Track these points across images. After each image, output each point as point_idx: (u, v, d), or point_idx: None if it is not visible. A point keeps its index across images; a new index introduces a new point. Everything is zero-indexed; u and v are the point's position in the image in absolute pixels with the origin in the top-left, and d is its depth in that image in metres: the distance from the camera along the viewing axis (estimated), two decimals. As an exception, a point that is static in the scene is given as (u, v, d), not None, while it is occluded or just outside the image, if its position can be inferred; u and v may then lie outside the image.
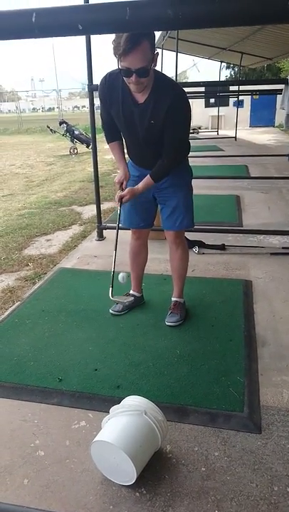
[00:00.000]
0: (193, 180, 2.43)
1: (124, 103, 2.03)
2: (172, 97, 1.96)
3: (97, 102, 3.08)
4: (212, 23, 0.68)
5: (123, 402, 1.62)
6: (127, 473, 1.45)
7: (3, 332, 2.45)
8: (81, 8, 0.70)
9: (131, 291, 2.74)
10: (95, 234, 4.18)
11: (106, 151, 11.70)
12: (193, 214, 2.42)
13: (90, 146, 11.89)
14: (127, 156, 2.38)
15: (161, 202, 2.41)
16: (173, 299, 2.59)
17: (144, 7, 0.68)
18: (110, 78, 2.03)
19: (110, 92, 2.05)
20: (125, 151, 2.36)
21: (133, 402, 1.58)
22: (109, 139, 2.30)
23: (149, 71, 1.85)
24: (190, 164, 2.40)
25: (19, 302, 2.84)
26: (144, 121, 2.04)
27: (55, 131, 12.73)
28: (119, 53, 1.78)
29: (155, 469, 1.54)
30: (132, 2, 0.69)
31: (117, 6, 0.69)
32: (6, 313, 2.71)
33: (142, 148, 2.22)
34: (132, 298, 2.64)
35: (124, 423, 1.50)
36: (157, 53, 1.87)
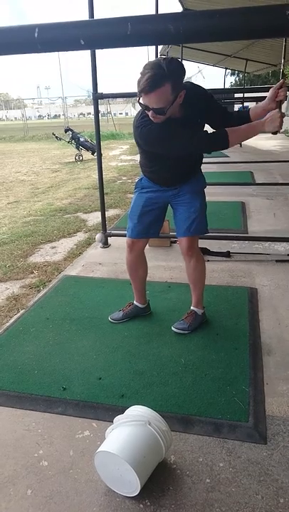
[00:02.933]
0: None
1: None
2: (198, 91, 2.04)
3: (102, 109, 3.10)
4: (213, 37, 0.68)
5: (127, 411, 1.61)
6: (131, 484, 1.44)
7: (8, 340, 2.46)
8: (83, 23, 0.71)
9: (134, 302, 2.72)
10: (99, 241, 4.18)
11: (111, 157, 11.77)
12: (207, 220, 2.41)
13: (95, 153, 11.92)
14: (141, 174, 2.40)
15: (178, 208, 2.40)
16: (191, 307, 2.57)
17: (145, 22, 0.69)
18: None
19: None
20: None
21: (137, 412, 1.58)
22: None
23: (166, 111, 1.85)
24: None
25: (24, 310, 2.84)
26: (193, 126, 2.03)
27: (60, 139, 12.82)
28: (139, 90, 1.79)
29: (159, 480, 1.52)
30: (133, 17, 0.69)
31: (118, 22, 0.69)
32: (11, 321, 2.71)
33: (182, 161, 2.20)
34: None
35: (128, 433, 1.49)
36: (184, 91, 1.86)
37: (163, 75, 1.73)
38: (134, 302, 2.72)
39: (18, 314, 2.79)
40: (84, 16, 3.41)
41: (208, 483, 1.51)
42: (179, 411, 1.85)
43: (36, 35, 0.71)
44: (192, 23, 0.66)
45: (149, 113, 1.88)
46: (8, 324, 2.66)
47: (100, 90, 3.61)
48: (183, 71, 1.85)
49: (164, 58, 1.81)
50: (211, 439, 1.71)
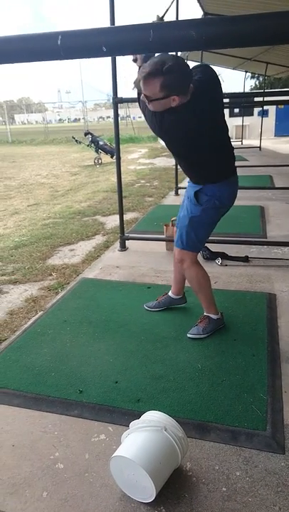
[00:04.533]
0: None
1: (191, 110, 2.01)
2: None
3: (121, 112, 3.12)
4: (235, 43, 0.68)
5: (143, 417, 1.60)
6: (147, 490, 1.43)
7: (26, 342, 2.48)
8: (105, 30, 0.71)
9: (169, 293, 2.79)
10: (117, 244, 4.20)
11: (129, 161, 11.81)
12: (194, 238, 2.34)
13: (114, 157, 12.01)
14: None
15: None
16: (204, 312, 2.56)
17: (167, 29, 0.69)
18: None
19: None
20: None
21: (153, 417, 1.57)
22: None
23: (153, 103, 1.94)
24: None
25: (42, 312, 2.87)
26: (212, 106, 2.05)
27: (80, 142, 12.94)
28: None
29: (175, 487, 1.51)
30: (156, 24, 0.69)
31: (140, 28, 0.69)
32: (29, 322, 2.74)
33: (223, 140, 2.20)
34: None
35: (143, 439, 1.48)
36: (174, 99, 1.90)
37: (157, 71, 1.84)
38: (170, 293, 2.79)
39: (37, 316, 2.82)
40: (105, 21, 3.43)
41: (225, 492, 1.49)
42: (195, 417, 1.83)
43: (59, 42, 0.71)
44: (215, 30, 0.65)
45: (142, 96, 1.98)
46: (26, 326, 2.68)
47: (119, 94, 3.63)
48: (183, 79, 1.89)
49: (173, 58, 1.86)
50: (228, 447, 1.69)
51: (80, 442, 1.73)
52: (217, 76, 2.08)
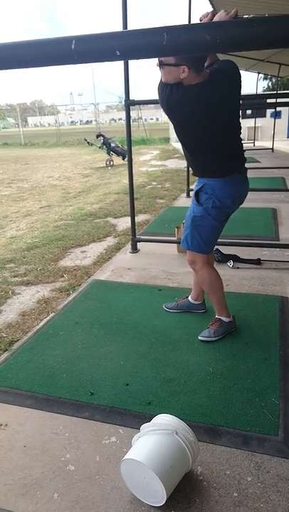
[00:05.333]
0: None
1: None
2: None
3: (133, 114, 3.13)
4: (251, 46, 0.67)
5: (154, 420, 1.60)
6: (157, 494, 1.42)
7: (38, 343, 2.50)
8: (119, 34, 0.71)
9: (189, 297, 2.79)
10: (129, 246, 4.21)
11: (141, 163, 11.83)
12: (198, 239, 2.33)
13: (126, 159, 11.99)
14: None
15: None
16: (216, 315, 2.54)
17: (181, 32, 0.68)
18: None
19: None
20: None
21: (164, 420, 1.56)
22: None
23: (164, 69, 1.98)
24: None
25: (54, 313, 2.89)
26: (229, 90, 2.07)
27: (92, 144, 13.00)
28: None
29: (185, 491, 1.50)
30: (169, 27, 0.69)
31: (154, 32, 0.69)
32: (41, 323, 2.75)
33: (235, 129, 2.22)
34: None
35: (154, 442, 1.47)
36: (184, 71, 1.92)
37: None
38: (189, 297, 2.78)
39: (48, 317, 2.83)
40: (118, 24, 3.44)
41: (236, 497, 1.47)
42: (206, 421, 1.82)
43: (73, 46, 0.71)
44: (229, 32, 0.65)
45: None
46: (38, 327, 2.70)
47: (131, 97, 3.64)
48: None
49: None
50: (239, 452, 1.67)
51: (90, 444, 1.74)
52: (239, 73, 2.09)
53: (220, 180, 2.20)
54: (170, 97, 2.01)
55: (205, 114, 2.03)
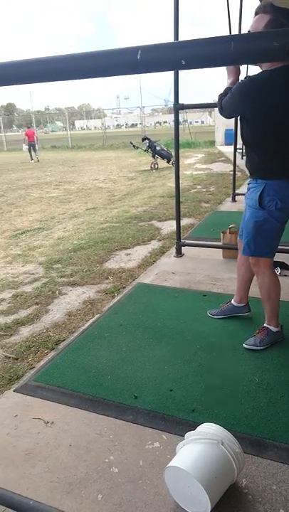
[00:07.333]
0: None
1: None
2: None
3: (182, 117, 3.13)
4: None
5: (199, 428, 1.58)
6: (201, 504, 1.40)
7: (84, 343, 2.54)
8: (185, 43, 0.71)
9: (232, 300, 2.74)
10: (173, 250, 4.20)
11: (186, 166, 11.79)
12: (261, 244, 2.28)
13: (171, 162, 11.92)
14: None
15: None
16: (264, 323, 2.48)
17: (249, 40, 0.67)
18: None
19: None
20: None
21: (209, 430, 1.54)
22: None
23: None
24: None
25: (99, 315, 2.93)
26: None
27: (137, 147, 13.12)
28: None
29: (230, 504, 1.47)
30: (237, 36, 0.68)
31: (221, 41, 0.68)
32: (86, 324, 2.80)
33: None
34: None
35: (200, 451, 1.46)
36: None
37: (272, 8, 2.03)
38: (232, 301, 2.75)
39: (94, 319, 2.88)
40: (168, 29, 3.46)
41: (283, 514, 1.43)
42: (251, 433, 1.78)
43: (139, 56, 0.72)
44: (301, 40, 0.63)
45: None
46: (84, 328, 2.75)
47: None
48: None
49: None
50: (286, 467, 1.62)
51: (134, 448, 1.74)
52: None
53: (282, 182, 2.17)
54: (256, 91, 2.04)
55: (278, 104, 2.05)
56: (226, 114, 2.26)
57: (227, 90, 2.21)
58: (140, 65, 0.74)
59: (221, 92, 2.26)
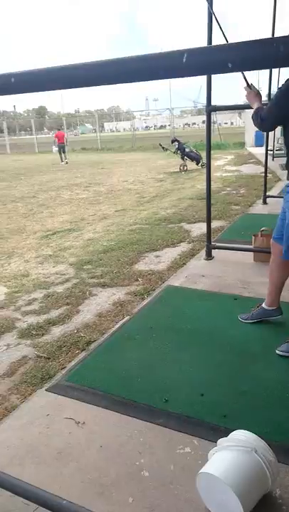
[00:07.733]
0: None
1: None
2: None
3: (215, 118, 3.11)
4: None
5: (232, 435, 1.56)
6: (234, 513, 1.38)
7: (114, 344, 2.55)
8: (233, 46, 0.70)
9: (263, 304, 2.69)
10: (203, 253, 4.16)
11: (215, 168, 11.69)
12: None
13: (200, 164, 11.83)
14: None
15: None
16: None
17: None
18: None
19: None
20: None
21: (243, 437, 1.51)
22: None
23: None
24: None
25: (128, 317, 2.94)
26: None
27: (166, 149, 13.11)
28: None
29: (263, 514, 1.44)
30: (286, 37, 0.66)
31: (269, 42, 0.67)
32: (117, 326, 2.82)
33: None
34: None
35: (233, 458, 1.43)
36: None
37: None
38: (263, 304, 2.69)
39: (124, 320, 2.89)
40: (199, 29, 3.45)
41: None
42: (285, 441, 1.74)
43: (184, 60, 0.72)
44: None
45: None
46: (114, 329, 2.76)
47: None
48: None
49: None
50: None
51: (164, 452, 1.73)
52: None
53: None
54: None
55: None
56: (266, 124, 2.23)
57: (258, 110, 2.21)
58: (186, 69, 0.73)
59: (252, 114, 2.26)
